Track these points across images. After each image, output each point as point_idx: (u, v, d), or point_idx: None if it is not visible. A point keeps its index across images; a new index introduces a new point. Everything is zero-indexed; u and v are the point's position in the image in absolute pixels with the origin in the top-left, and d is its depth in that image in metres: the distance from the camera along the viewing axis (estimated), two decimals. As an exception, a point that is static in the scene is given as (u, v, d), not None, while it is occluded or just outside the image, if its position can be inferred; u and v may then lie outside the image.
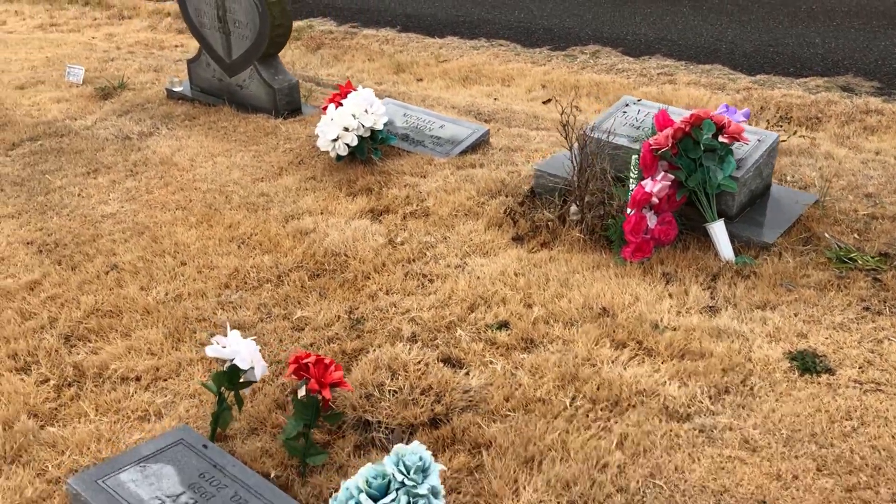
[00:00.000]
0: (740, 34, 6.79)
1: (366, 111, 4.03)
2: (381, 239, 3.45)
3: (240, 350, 2.24)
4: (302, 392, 2.22)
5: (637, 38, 6.82)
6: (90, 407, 2.52)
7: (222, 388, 2.27)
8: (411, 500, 1.74)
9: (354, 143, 3.97)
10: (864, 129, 4.99)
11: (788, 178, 3.87)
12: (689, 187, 3.16)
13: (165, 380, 2.65)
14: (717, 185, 3.14)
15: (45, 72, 6.19)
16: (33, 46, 7.14)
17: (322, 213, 3.72)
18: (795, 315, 2.79)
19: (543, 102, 5.48)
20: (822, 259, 3.11)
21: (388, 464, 1.79)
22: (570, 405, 2.40)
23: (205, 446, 2.15)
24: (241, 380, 2.28)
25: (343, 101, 4.12)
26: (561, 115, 3.46)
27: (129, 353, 2.77)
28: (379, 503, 1.74)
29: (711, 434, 2.27)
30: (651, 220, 3.17)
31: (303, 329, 2.89)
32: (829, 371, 2.51)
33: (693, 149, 3.15)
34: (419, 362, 2.60)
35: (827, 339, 2.66)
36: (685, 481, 2.11)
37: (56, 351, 2.79)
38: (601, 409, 2.38)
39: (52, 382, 2.64)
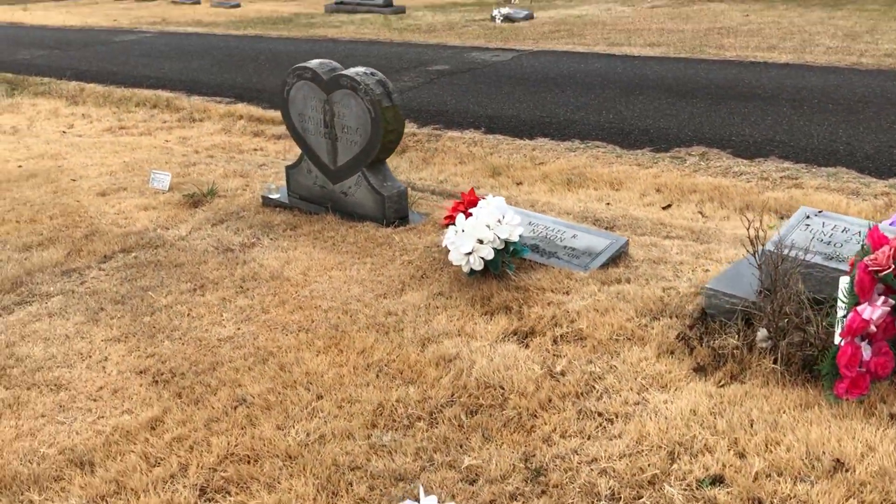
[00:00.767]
0: (854, 135, 6.55)
1: (499, 221, 3.77)
2: (538, 368, 3.12)
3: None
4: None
5: (743, 139, 6.60)
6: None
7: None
8: None
9: (490, 256, 3.70)
10: None
11: None
12: (909, 313, 2.81)
13: (330, 548, 2.29)
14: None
15: (126, 177, 6.08)
16: (107, 150, 7.10)
17: (460, 336, 3.41)
18: None
19: (663, 208, 5.21)
20: None
21: None
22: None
23: None
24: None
25: (472, 211, 3.88)
26: (748, 228, 3.15)
27: (281, 511, 2.43)
28: None
29: None
30: (865, 352, 2.81)
31: (475, 481, 2.53)
32: None
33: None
34: (638, 531, 2.22)
35: None
36: None
37: (195, 508, 2.45)
38: None
39: (197, 549, 2.30)
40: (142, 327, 3.62)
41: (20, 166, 6.59)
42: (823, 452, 2.51)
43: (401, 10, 21.70)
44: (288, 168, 5.14)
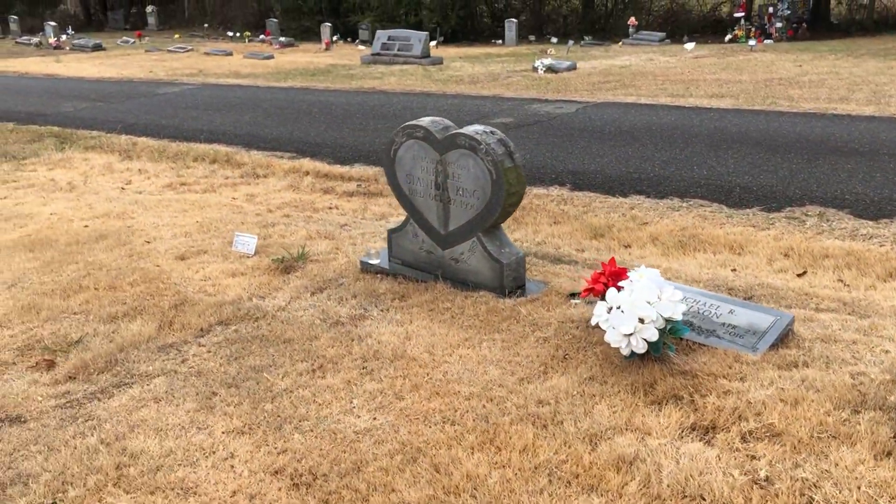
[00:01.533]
0: (979, 191, 6.19)
1: (658, 297, 3.43)
2: (736, 473, 2.75)
3: None
4: None
5: (858, 197, 6.25)
6: None
7: None
8: None
9: (655, 337, 3.35)
10: None
11: None
12: None
13: None
14: None
15: (203, 239, 5.82)
16: (175, 209, 6.86)
17: (631, 431, 3.05)
18: None
19: (798, 275, 4.85)
20: None
21: None
22: None
23: None
24: None
25: (622, 284, 3.54)
26: None
27: None
28: None
29: None
30: None
31: None
32: None
33: None
34: None
35: None
36: None
37: None
38: None
39: None
40: (265, 416, 3.28)
41: (86, 226, 6.36)
42: None
43: (438, 62, 21.75)
44: (390, 231, 4.85)
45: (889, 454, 2.80)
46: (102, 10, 46.14)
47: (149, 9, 41.48)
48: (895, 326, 3.87)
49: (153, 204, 7.11)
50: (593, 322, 3.54)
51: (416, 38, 22.67)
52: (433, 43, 24.93)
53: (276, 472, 2.91)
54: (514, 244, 4.52)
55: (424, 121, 4.51)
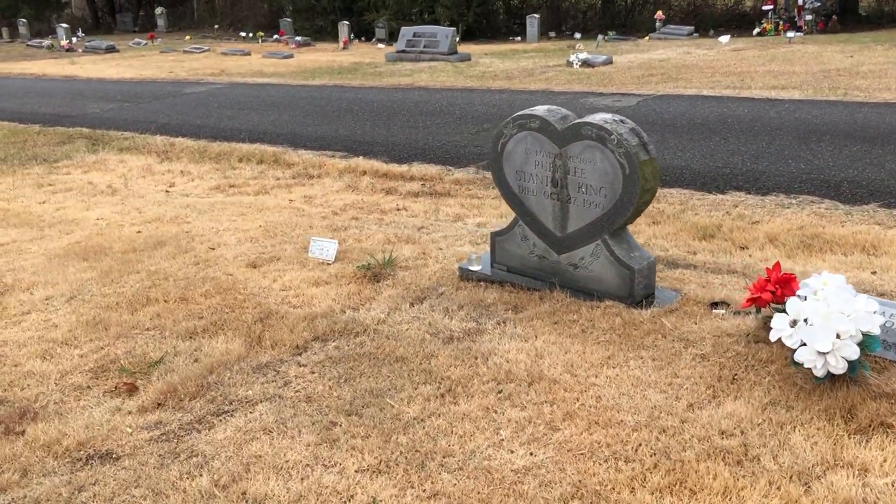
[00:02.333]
0: None
1: (853, 308, 2.99)
2: None
3: None
4: None
5: (985, 191, 5.79)
6: None
7: None
8: None
9: (855, 355, 2.90)
10: None
11: None
12: None
13: None
14: None
15: (271, 244, 5.41)
16: (232, 212, 6.45)
17: (842, 467, 2.61)
18: None
19: (953, 279, 4.39)
20: None
21: None
22: None
23: None
24: None
25: (803, 293, 3.11)
26: None
27: None
28: None
29: None
30: None
31: None
32: None
33: None
34: None
35: None
36: None
37: None
38: None
39: None
40: (400, 451, 2.86)
41: (139, 232, 5.96)
42: None
43: (466, 58, 21.32)
44: (494, 235, 4.42)
45: None
46: (110, 13, 46.00)
47: (158, 10, 41.29)
48: None
49: (206, 207, 6.71)
50: (773, 337, 3.09)
51: (443, 34, 22.25)
52: (450, 39, 24.48)
53: (433, 522, 2.49)
54: (642, 247, 4.09)
55: (539, 109, 4.08)
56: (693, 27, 27.47)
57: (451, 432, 2.96)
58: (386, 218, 6.21)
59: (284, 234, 5.67)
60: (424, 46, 22.14)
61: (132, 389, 3.53)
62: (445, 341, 3.72)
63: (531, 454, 2.80)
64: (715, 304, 3.89)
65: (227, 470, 2.82)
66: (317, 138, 9.70)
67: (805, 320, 3.00)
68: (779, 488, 2.53)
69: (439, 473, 2.72)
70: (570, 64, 18.21)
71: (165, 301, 4.50)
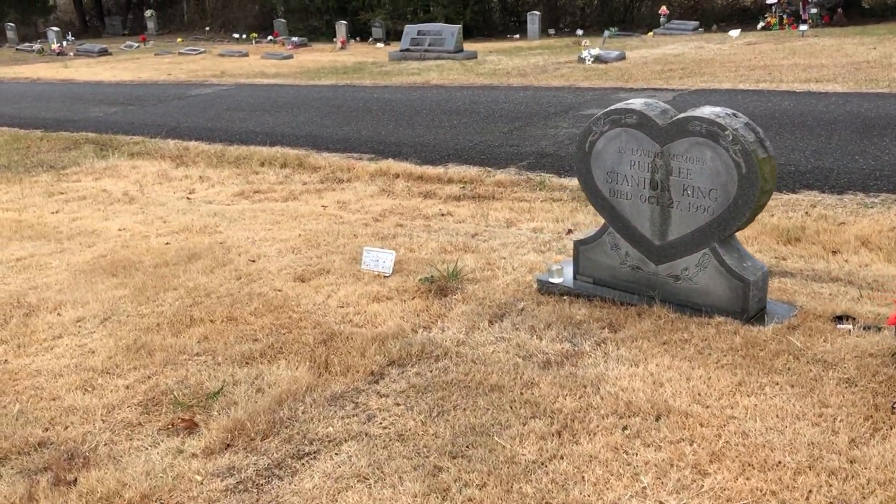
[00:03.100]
0: None
1: None
2: None
3: None
4: None
5: None
6: None
7: None
8: None
9: None
10: None
11: None
12: None
13: None
14: None
15: (317, 255, 5.01)
16: (265, 220, 6.05)
17: None
18: None
19: None
20: None
21: None
22: None
23: None
24: None
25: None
26: None
27: None
28: None
29: None
30: None
31: None
32: None
33: None
34: None
35: None
36: None
37: None
38: None
39: None
40: (526, 502, 2.46)
41: (167, 243, 5.56)
42: None
43: (473, 56, 20.95)
44: (578, 244, 4.02)
45: None
46: (98, 17, 45.50)
47: (147, 13, 40.83)
48: None
49: (235, 215, 6.30)
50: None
51: (449, 32, 21.87)
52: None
53: None
54: (754, 257, 3.70)
55: (636, 103, 3.69)
56: (697, 22, 27.23)
57: (582, 479, 2.56)
58: (432, 224, 5.81)
59: (328, 243, 5.26)
60: (429, 45, 21.77)
61: (191, 427, 3.13)
62: (542, 366, 3.33)
63: (681, 505, 2.41)
64: (839, 319, 3.51)
65: (326, 529, 2.42)
66: (339, 140, 9.28)
67: None
68: None
69: (582, 532, 2.33)
70: (581, 60, 17.86)
71: (212, 321, 4.10)
